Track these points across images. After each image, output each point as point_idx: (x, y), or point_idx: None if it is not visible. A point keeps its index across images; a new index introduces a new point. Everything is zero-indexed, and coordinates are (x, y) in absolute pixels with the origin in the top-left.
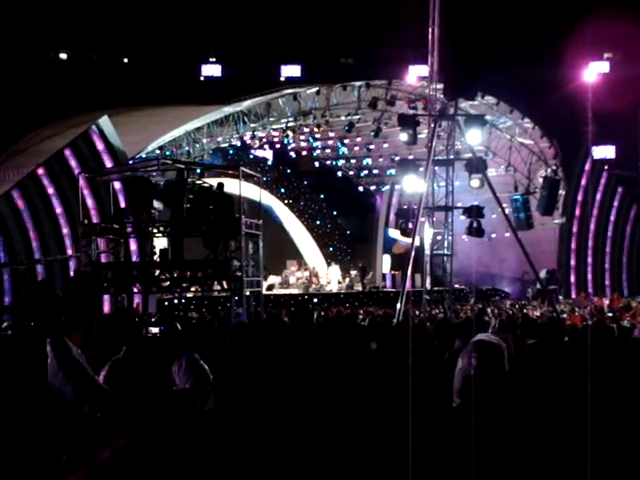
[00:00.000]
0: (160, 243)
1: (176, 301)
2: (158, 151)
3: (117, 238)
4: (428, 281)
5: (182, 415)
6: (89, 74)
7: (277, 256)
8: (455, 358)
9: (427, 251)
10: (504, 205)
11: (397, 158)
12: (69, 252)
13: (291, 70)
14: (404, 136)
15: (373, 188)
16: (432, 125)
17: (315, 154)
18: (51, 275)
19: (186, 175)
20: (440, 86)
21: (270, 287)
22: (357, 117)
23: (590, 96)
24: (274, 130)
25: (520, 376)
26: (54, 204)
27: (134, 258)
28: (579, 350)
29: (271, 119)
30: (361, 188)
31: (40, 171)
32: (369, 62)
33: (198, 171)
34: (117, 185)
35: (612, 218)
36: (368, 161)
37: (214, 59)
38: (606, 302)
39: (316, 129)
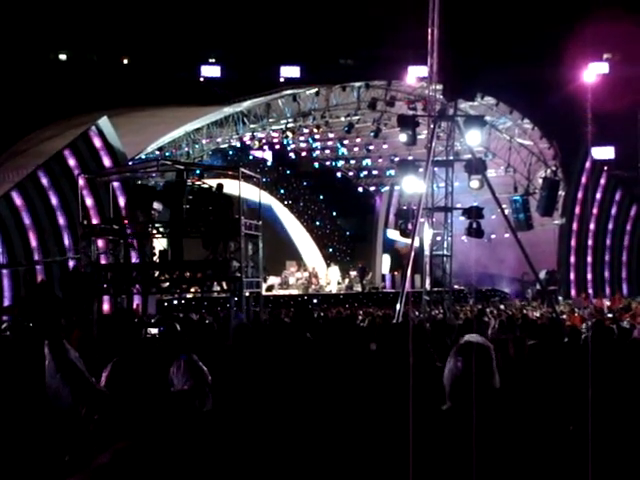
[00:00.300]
0: (160, 244)
1: (176, 302)
2: (158, 152)
3: (117, 239)
4: (428, 282)
5: (180, 416)
6: (89, 75)
7: (277, 257)
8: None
9: (427, 252)
10: (504, 206)
11: (397, 159)
12: (69, 253)
13: (290, 71)
14: (403, 137)
15: (372, 189)
16: (432, 126)
17: (315, 155)
18: (50, 276)
19: (185, 176)
20: (439, 87)
21: (270, 288)
22: (356, 118)
23: (589, 97)
24: (274, 131)
25: (520, 376)
26: (54, 205)
27: (133, 259)
28: (579, 351)
29: (270, 120)
30: (360, 189)
31: (40, 172)
32: (368, 63)
33: (198, 172)
34: (117, 186)
35: (612, 219)
36: (367, 162)
37: (214, 60)
38: (606, 303)
39: (315, 130)
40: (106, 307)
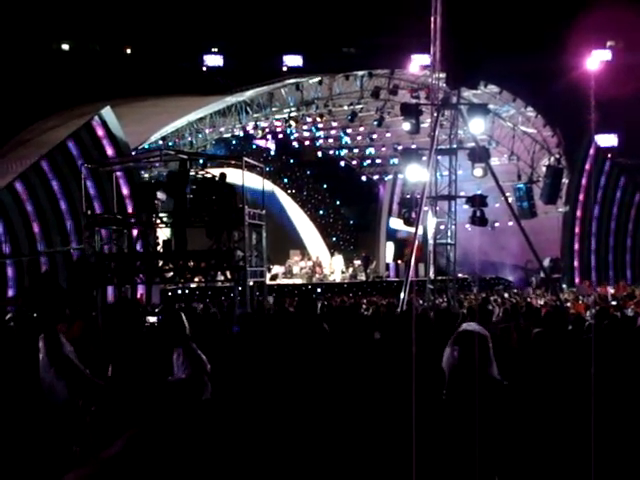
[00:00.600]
0: (163, 234)
1: (180, 292)
2: (161, 142)
3: (120, 229)
4: (432, 270)
5: (178, 405)
6: (91, 65)
7: (280, 246)
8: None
9: (430, 240)
10: (507, 194)
11: (400, 147)
12: (72, 243)
13: (293, 60)
14: (407, 125)
15: (376, 177)
16: (435, 114)
17: (318, 144)
18: (54, 266)
19: (189, 166)
20: (443, 75)
21: (274, 277)
22: (360, 106)
23: (593, 84)
24: (277, 120)
25: (524, 365)
26: (57, 195)
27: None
28: (583, 339)
29: (274, 109)
30: (364, 178)
31: (43, 162)
32: (371, 51)
33: (201, 162)
34: (119, 175)
35: (615, 206)
36: (371, 150)
37: (216, 49)
38: (610, 290)
39: (319, 119)
40: (110, 297)
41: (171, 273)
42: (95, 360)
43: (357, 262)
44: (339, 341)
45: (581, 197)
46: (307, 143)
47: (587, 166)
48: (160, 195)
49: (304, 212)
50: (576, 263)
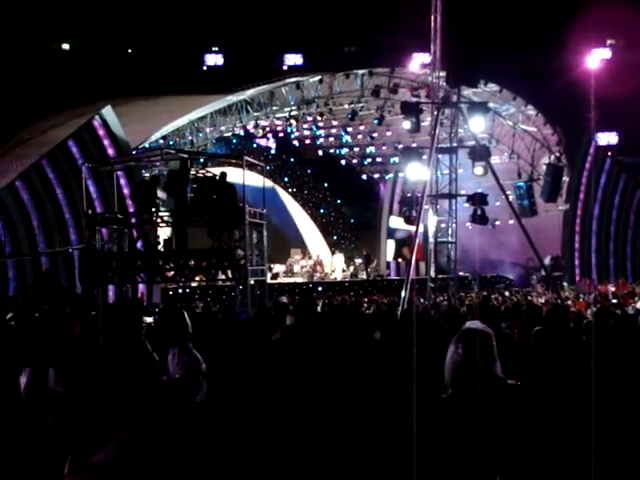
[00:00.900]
0: (164, 233)
1: (180, 291)
2: (161, 141)
3: (121, 228)
4: (432, 269)
5: (171, 406)
6: (92, 64)
7: (281, 245)
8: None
9: (431, 239)
10: (508, 192)
11: (400, 146)
12: (73, 243)
13: (294, 59)
14: (407, 124)
15: (377, 176)
16: (435, 113)
17: (318, 143)
18: (55, 266)
19: (189, 165)
20: (443, 74)
21: (275, 276)
22: (360, 105)
23: (593, 82)
24: (277, 119)
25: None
26: (58, 194)
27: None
28: (583, 337)
29: (274, 108)
30: (365, 176)
31: (43, 162)
32: (372, 50)
33: (202, 160)
34: (120, 175)
35: (616, 204)
36: (371, 149)
37: (217, 48)
38: (611, 288)
39: (319, 117)
40: (111, 296)
41: (172, 272)
42: (95, 361)
43: (358, 261)
44: (340, 340)
45: (581, 195)
46: (308, 142)
47: (587, 164)
48: (161, 194)
49: (305, 211)
50: (577, 261)
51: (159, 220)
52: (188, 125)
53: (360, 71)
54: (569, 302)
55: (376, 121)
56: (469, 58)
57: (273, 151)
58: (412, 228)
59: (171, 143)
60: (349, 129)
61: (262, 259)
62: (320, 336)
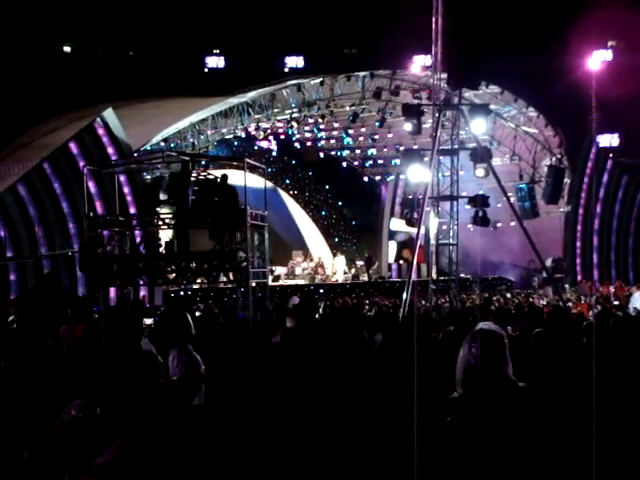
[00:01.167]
0: (165, 235)
1: (182, 293)
2: (163, 143)
3: (123, 230)
4: (434, 271)
5: (170, 407)
6: (93, 67)
7: (283, 247)
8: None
9: (432, 241)
10: (509, 194)
11: (402, 148)
12: (75, 245)
13: (295, 61)
14: (408, 126)
15: (378, 178)
16: (436, 115)
17: (320, 145)
18: (56, 268)
19: (191, 167)
20: (444, 76)
21: (276, 278)
22: (361, 107)
23: (594, 84)
24: (278, 121)
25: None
26: (59, 197)
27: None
28: (585, 339)
29: (275, 110)
30: (366, 178)
31: (45, 164)
32: (373, 52)
33: (203, 163)
34: (122, 177)
35: (617, 206)
36: (373, 151)
37: (218, 51)
38: (612, 290)
39: (320, 120)
40: (113, 298)
41: (173, 274)
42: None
43: (359, 263)
44: (340, 343)
45: (583, 197)
46: (309, 144)
47: (589, 166)
48: (162, 196)
49: (306, 213)
50: (578, 263)
51: (160, 222)
52: (189, 127)
53: (361, 73)
54: (570, 304)
55: (377, 123)
56: (470, 60)
57: (274, 153)
58: (413, 230)
59: (172, 145)
60: (350, 131)
61: (263, 261)
62: (320, 339)
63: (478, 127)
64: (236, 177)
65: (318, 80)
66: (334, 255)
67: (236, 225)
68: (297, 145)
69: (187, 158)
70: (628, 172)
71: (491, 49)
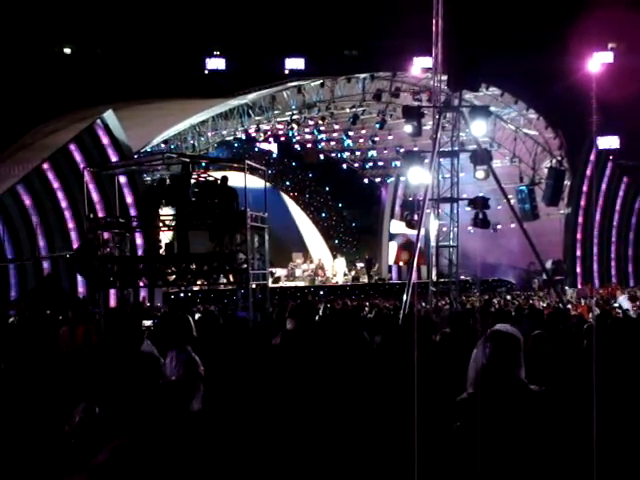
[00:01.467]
0: (165, 237)
1: (182, 295)
2: (163, 145)
3: (123, 232)
4: (434, 273)
5: (169, 408)
6: (93, 68)
7: (283, 249)
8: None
9: (433, 243)
10: (509, 196)
11: (402, 150)
12: (75, 247)
13: (295, 63)
14: (409, 128)
15: (378, 180)
16: (437, 117)
17: (320, 146)
18: (57, 270)
19: (191, 169)
20: (444, 77)
21: (276, 280)
22: (361, 109)
23: (594, 86)
24: (279, 123)
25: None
26: (59, 199)
27: (139, 252)
28: (584, 341)
29: (276, 112)
30: (366, 180)
31: (45, 166)
32: (373, 54)
33: (203, 164)
34: (122, 179)
35: (617, 208)
36: (373, 153)
37: (218, 52)
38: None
39: (321, 121)
40: (113, 300)
41: (173, 276)
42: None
43: (360, 264)
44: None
45: (583, 199)
46: (309, 146)
47: (589, 168)
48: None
49: (306, 215)
50: (578, 265)
51: (160, 224)
52: (190, 129)
53: (362, 75)
54: (569, 306)
55: (377, 125)
56: (470, 62)
57: (274, 155)
58: (410, 232)
59: (173, 147)
60: (350, 133)
61: (264, 263)
62: (320, 340)
63: (478, 129)
64: (236, 179)
65: (318, 82)
66: (334, 257)
67: (236, 227)
68: (297, 147)
69: (187, 160)
70: (628, 174)
71: (491, 51)
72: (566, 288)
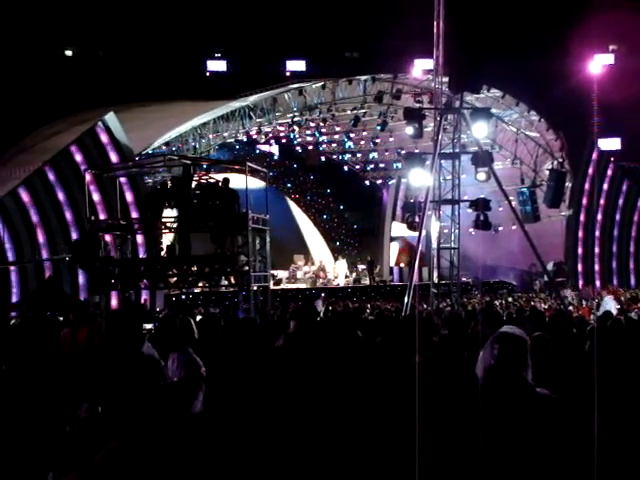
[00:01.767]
0: (167, 239)
1: (184, 297)
2: (164, 147)
3: (124, 234)
4: (435, 274)
5: (171, 410)
6: (95, 70)
7: (284, 251)
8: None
9: (434, 245)
10: (510, 198)
11: (403, 152)
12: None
13: (296, 65)
14: (410, 130)
15: (379, 182)
16: (438, 118)
17: (321, 148)
18: (58, 273)
19: (192, 171)
20: (446, 79)
21: (277, 282)
22: (363, 111)
23: (596, 88)
24: (280, 125)
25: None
26: (61, 201)
27: (141, 254)
28: (586, 343)
29: (277, 114)
30: (367, 182)
31: (46, 168)
32: (374, 56)
33: (204, 167)
34: (123, 181)
35: (619, 209)
36: (374, 155)
37: (219, 54)
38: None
39: (322, 123)
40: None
41: (175, 278)
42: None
43: (361, 267)
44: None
45: (584, 201)
46: (310, 148)
47: (590, 170)
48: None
49: (308, 217)
50: (580, 267)
51: (162, 226)
52: (191, 131)
53: (363, 77)
54: (570, 307)
55: (379, 127)
56: (472, 64)
57: (276, 157)
58: (411, 234)
59: (174, 149)
60: (352, 135)
61: (265, 265)
62: (322, 342)
63: (479, 131)
64: (237, 181)
65: (319, 84)
66: (335, 259)
67: (237, 229)
68: (298, 149)
69: (188, 162)
70: (629, 176)
71: (492, 53)
72: (567, 290)
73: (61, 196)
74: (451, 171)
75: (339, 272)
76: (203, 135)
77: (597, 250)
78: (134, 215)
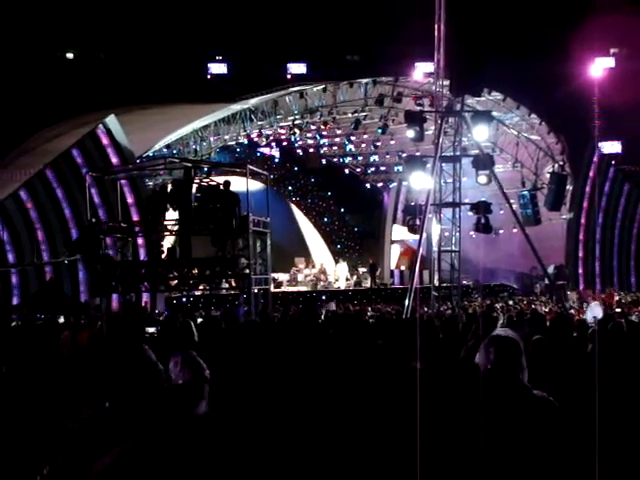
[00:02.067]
0: (168, 241)
1: (184, 299)
2: (165, 149)
3: (125, 237)
4: (436, 278)
5: (175, 413)
6: (96, 73)
7: (285, 254)
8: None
9: (435, 247)
10: (511, 201)
11: (404, 155)
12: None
13: (297, 68)
14: (411, 133)
15: (380, 185)
16: (439, 122)
17: (322, 151)
18: (59, 275)
19: (193, 173)
20: (446, 82)
21: (278, 285)
22: (364, 114)
23: (596, 91)
24: (281, 128)
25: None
26: (61, 203)
27: (142, 256)
28: (587, 346)
29: (278, 117)
30: (368, 185)
31: (47, 171)
32: (375, 59)
33: (205, 169)
34: (124, 184)
35: (619, 213)
36: (375, 158)
37: (221, 57)
38: (616, 297)
39: (323, 126)
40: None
41: (176, 281)
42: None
43: (362, 269)
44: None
45: (585, 204)
46: (311, 151)
47: (591, 173)
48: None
49: (308, 219)
50: (580, 270)
51: (163, 229)
52: (192, 134)
53: (364, 80)
54: (572, 311)
55: (380, 130)
56: (472, 67)
57: (277, 160)
58: (412, 237)
59: (175, 152)
60: (353, 138)
61: (266, 268)
62: (323, 344)
63: (480, 134)
64: (238, 183)
65: (320, 87)
66: (336, 262)
67: (238, 232)
68: (299, 152)
69: (189, 164)
70: (630, 179)
71: (494, 56)
72: (568, 293)
73: (62, 198)
74: (452, 174)
75: (340, 275)
76: (204, 138)
77: (598, 253)
78: (135, 218)
